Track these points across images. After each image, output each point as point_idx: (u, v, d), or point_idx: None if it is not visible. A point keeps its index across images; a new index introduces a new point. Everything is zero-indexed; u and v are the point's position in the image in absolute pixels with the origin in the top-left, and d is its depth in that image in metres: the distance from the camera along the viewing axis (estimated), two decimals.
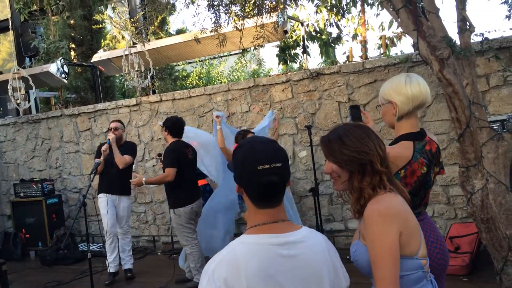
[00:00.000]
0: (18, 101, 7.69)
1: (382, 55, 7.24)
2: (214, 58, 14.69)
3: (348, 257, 1.83)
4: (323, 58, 8.14)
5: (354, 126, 1.75)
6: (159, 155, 5.25)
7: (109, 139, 5.32)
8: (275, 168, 1.38)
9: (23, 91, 7.77)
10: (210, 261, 1.36)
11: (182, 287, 4.95)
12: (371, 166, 1.66)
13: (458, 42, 3.32)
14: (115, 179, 5.30)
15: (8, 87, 7.65)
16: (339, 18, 7.65)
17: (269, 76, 7.77)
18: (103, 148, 5.33)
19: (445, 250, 2.15)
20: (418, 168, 2.14)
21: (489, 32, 3.51)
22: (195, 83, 13.06)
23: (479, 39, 3.53)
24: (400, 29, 7.38)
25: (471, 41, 3.42)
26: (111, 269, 5.37)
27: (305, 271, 1.37)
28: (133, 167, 5.34)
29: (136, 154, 5.66)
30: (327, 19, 7.76)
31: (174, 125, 5.01)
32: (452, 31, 3.68)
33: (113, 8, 10.33)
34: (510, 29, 6.21)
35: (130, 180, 5.07)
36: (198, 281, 4.85)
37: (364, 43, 7.58)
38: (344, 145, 1.69)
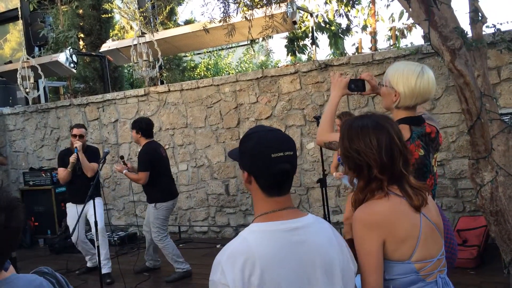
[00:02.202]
0: (27, 90, 7.73)
1: (392, 47, 7.18)
2: (222, 49, 14.65)
3: None
4: (332, 50, 8.09)
5: (374, 121, 1.64)
6: (122, 157, 5.18)
7: (76, 148, 5.08)
8: (287, 156, 1.40)
9: (32, 80, 7.80)
10: (221, 253, 1.36)
11: (168, 278, 5.00)
12: (368, 171, 1.60)
13: (469, 33, 3.28)
14: (84, 188, 4.72)
15: (18, 76, 7.69)
16: (348, 8, 7.59)
17: (278, 67, 7.74)
18: (72, 158, 5.08)
19: (452, 245, 2.13)
20: (415, 150, 2.12)
21: (501, 24, 3.47)
22: (203, 74, 13.06)
23: (491, 30, 3.48)
24: (410, 21, 7.31)
25: (483, 32, 3.38)
26: (88, 264, 5.52)
27: (315, 256, 1.39)
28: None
29: (100, 159, 5.35)
30: (336, 10, 7.69)
31: (148, 127, 5.03)
32: (464, 22, 3.63)
33: None
34: None
35: (114, 165, 5.20)
36: (180, 271, 4.95)
37: (373, 35, 7.52)
38: (347, 138, 1.64)
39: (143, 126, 4.98)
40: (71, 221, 5.17)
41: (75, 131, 5.22)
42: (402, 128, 2.11)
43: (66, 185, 5.39)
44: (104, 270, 4.89)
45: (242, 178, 1.47)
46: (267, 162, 1.37)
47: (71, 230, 5.19)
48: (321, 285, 1.37)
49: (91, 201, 4.49)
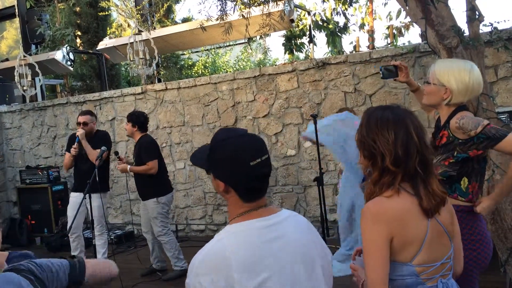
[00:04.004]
0: (24, 88, 7.70)
1: (389, 45, 7.18)
2: (220, 47, 14.62)
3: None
4: (330, 48, 8.09)
5: (396, 114, 1.61)
6: (116, 153, 5.08)
7: (77, 136, 4.92)
8: (265, 161, 1.38)
9: (29, 78, 7.78)
10: (196, 255, 1.35)
11: (164, 277, 5.00)
12: (382, 161, 1.57)
13: (466, 32, 3.28)
14: (88, 177, 4.45)
15: (15, 73, 7.66)
16: (346, 7, 7.59)
17: (275, 65, 7.73)
18: (73, 151, 4.93)
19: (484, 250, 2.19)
20: None
21: (498, 22, 3.47)
22: (200, 72, 13.03)
23: (488, 29, 3.49)
24: (408, 19, 7.31)
25: (480, 31, 3.38)
26: None
27: (294, 250, 1.38)
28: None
29: (111, 144, 5.24)
30: (334, 8, 7.70)
31: (146, 121, 4.99)
32: (461, 21, 3.64)
33: None
34: None
35: (117, 166, 5.07)
36: (178, 269, 4.92)
37: (371, 33, 7.52)
38: (365, 126, 1.63)
39: (141, 120, 4.90)
40: (71, 211, 4.97)
41: (79, 118, 5.06)
42: (467, 115, 2.14)
43: (73, 171, 5.23)
44: None
45: (215, 187, 1.41)
46: (246, 170, 1.34)
47: (69, 220, 5.06)
48: (303, 279, 1.37)
49: (93, 196, 4.48)
